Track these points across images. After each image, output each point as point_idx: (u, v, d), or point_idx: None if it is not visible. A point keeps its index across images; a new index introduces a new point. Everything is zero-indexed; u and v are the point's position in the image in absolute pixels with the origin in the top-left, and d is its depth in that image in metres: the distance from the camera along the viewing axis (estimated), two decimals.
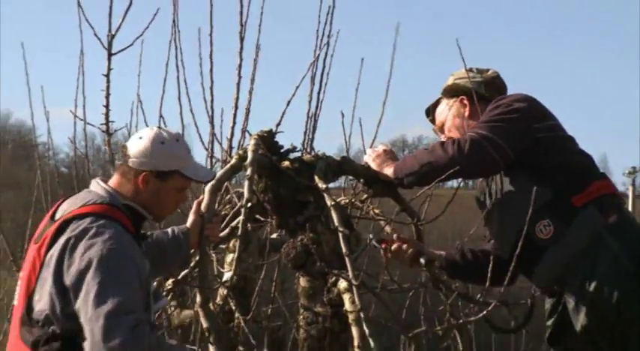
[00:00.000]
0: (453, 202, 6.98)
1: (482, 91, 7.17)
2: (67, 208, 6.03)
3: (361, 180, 6.50)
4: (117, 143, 6.95)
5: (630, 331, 6.58)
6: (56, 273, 5.68)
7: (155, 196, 6.10)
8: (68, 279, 5.59)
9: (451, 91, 7.35)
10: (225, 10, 6.29)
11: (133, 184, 6.07)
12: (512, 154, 6.68)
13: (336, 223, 6.04)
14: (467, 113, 7.16)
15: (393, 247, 6.92)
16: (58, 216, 6.03)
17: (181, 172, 6.06)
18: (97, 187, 6.08)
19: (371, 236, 6.68)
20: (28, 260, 6.02)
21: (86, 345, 5.56)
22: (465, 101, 7.22)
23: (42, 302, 5.74)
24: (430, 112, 7.55)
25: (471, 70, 7.30)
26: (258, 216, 6.34)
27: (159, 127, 6.28)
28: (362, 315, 5.92)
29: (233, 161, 6.26)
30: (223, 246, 6.61)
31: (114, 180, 6.15)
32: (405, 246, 6.93)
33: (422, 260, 6.83)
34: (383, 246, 6.96)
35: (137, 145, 6.05)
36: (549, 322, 6.98)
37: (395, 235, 7.01)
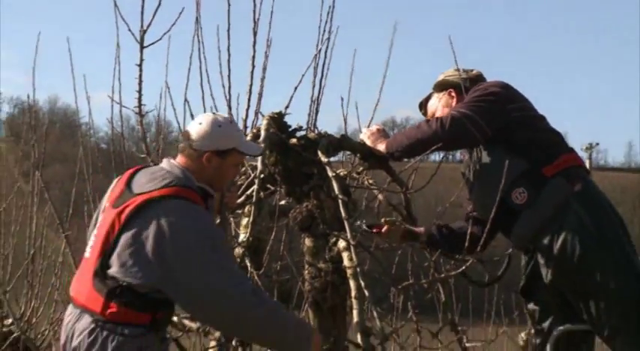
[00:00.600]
0: (436, 174, 7.16)
1: (468, 85, 7.24)
2: (145, 182, 6.09)
3: (358, 155, 6.55)
4: (148, 123, 7.07)
5: (589, 283, 6.70)
6: (156, 249, 5.77)
7: (217, 172, 6.19)
8: (171, 252, 5.74)
9: (441, 86, 7.45)
10: (240, 9, 6.31)
11: (197, 163, 6.14)
12: (489, 131, 6.83)
13: (337, 192, 6.11)
14: (454, 103, 7.23)
15: (383, 229, 7.00)
16: (136, 189, 6.08)
17: (238, 149, 6.13)
18: (173, 167, 6.14)
19: (359, 222, 6.79)
20: (106, 221, 6.03)
21: (201, 311, 5.99)
22: (453, 93, 7.32)
23: (120, 264, 5.83)
24: (422, 105, 7.60)
25: (457, 69, 7.41)
26: (269, 185, 6.40)
27: (214, 113, 6.41)
28: (358, 270, 5.97)
29: (248, 139, 6.30)
30: (240, 211, 6.62)
31: (183, 162, 6.19)
32: (392, 228, 7.01)
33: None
34: (374, 231, 7.04)
35: (198, 129, 6.12)
36: (523, 277, 7.07)
37: (383, 220, 7.08)
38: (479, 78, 7.41)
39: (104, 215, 6.13)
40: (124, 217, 5.88)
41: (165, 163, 6.21)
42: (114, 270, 5.82)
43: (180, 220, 5.83)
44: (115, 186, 6.28)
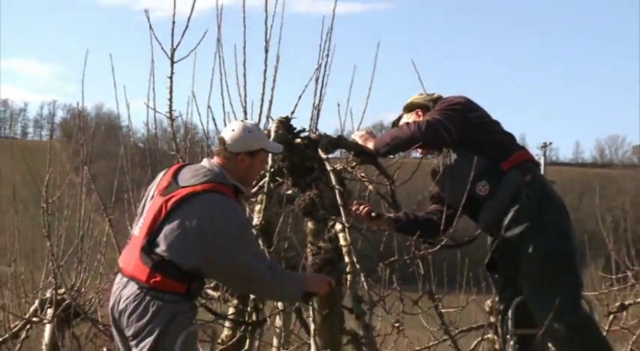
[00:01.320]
0: (418, 169, 7.33)
1: (431, 106, 7.38)
2: (189, 177, 6.30)
3: (351, 152, 6.58)
4: (177, 126, 7.11)
5: (523, 254, 6.92)
6: (198, 233, 6.08)
7: (249, 169, 6.36)
8: (211, 236, 6.05)
9: (409, 107, 7.60)
10: (254, 30, 6.32)
11: (232, 163, 6.31)
12: (455, 133, 6.99)
13: (334, 183, 6.17)
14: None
15: (353, 208, 7.09)
16: (181, 182, 6.33)
17: (265, 149, 6.31)
18: (212, 166, 6.33)
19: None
20: (154, 207, 6.26)
21: (230, 279, 6.48)
22: (420, 113, 7.45)
23: (167, 244, 6.09)
24: (395, 124, 7.71)
25: (422, 93, 7.66)
26: (278, 178, 6.44)
27: (242, 120, 6.61)
28: (352, 248, 5.99)
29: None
30: (254, 199, 6.67)
31: (220, 162, 6.38)
32: (361, 207, 7.11)
33: (373, 214, 7.02)
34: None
35: (232, 135, 6.30)
36: (489, 253, 7.13)
37: (354, 201, 7.21)
38: (439, 99, 7.53)
39: (152, 202, 6.34)
40: (170, 204, 6.14)
41: (206, 163, 6.44)
42: (161, 249, 6.09)
43: (218, 212, 6.12)
44: (162, 178, 6.47)
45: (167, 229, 6.11)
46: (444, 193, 7.21)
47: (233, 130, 6.34)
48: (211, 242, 6.09)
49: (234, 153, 6.30)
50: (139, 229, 6.31)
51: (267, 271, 6.11)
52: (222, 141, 6.34)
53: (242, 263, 6.13)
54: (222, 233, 6.11)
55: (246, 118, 6.75)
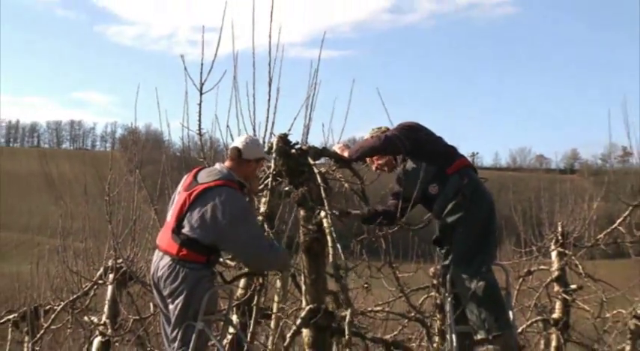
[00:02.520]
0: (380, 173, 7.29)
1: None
2: (205, 177, 6.53)
3: (332, 159, 6.54)
4: (205, 140, 7.17)
5: (456, 234, 7.06)
6: (213, 219, 6.28)
7: (252, 171, 6.67)
8: (221, 219, 6.25)
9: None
10: (260, 70, 6.29)
11: (243, 166, 6.61)
12: (407, 144, 7.05)
13: (319, 182, 6.12)
14: None
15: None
16: (200, 180, 6.55)
17: (264, 157, 6.63)
18: (222, 168, 6.56)
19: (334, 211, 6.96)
20: (181, 199, 6.52)
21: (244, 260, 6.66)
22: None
23: (190, 226, 6.35)
24: None
25: (373, 129, 7.64)
26: (278, 178, 6.39)
27: (250, 136, 6.80)
28: (332, 229, 5.94)
29: (266, 149, 6.36)
30: (260, 194, 6.65)
31: (228, 165, 6.61)
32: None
33: (335, 212, 6.99)
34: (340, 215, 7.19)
35: (246, 146, 6.56)
36: (437, 232, 7.26)
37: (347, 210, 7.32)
38: (387, 130, 7.54)
39: (179, 195, 6.56)
40: (192, 197, 6.40)
41: (217, 166, 6.63)
42: (186, 229, 6.33)
43: (227, 200, 6.29)
44: (186, 178, 6.67)
45: (190, 215, 6.36)
46: (404, 191, 7.27)
47: (247, 143, 6.54)
48: (222, 222, 6.23)
49: (246, 159, 6.52)
50: (170, 216, 6.57)
51: (266, 247, 6.33)
52: (237, 150, 6.52)
53: (245, 239, 6.30)
54: (231, 217, 6.25)
55: (255, 135, 6.73)
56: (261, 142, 6.76)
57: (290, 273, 6.70)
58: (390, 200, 7.50)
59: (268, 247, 6.35)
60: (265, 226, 6.48)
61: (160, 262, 6.46)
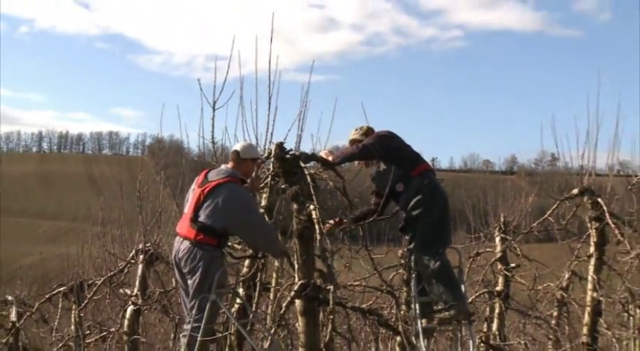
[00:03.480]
0: (359, 174, 7.25)
1: (363, 138, 7.33)
2: (215, 175, 6.59)
3: (319, 163, 6.48)
4: (217, 147, 7.21)
5: (417, 225, 7.05)
6: (225, 213, 6.39)
7: (250, 170, 6.70)
8: (231, 208, 6.40)
9: (350, 141, 7.46)
10: (262, 89, 6.24)
11: (242, 166, 6.66)
12: (380, 150, 7.05)
13: (309, 181, 6.07)
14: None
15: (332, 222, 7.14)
16: (210, 178, 6.62)
17: (259, 157, 6.71)
18: (227, 168, 6.64)
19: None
20: (195, 194, 6.61)
21: (248, 235, 6.70)
22: (355, 145, 7.33)
23: (205, 215, 6.43)
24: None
25: (356, 129, 7.56)
26: (276, 178, 6.34)
27: (245, 140, 6.85)
28: (319, 220, 5.90)
29: (265, 155, 6.29)
30: (262, 191, 6.61)
31: (231, 165, 6.67)
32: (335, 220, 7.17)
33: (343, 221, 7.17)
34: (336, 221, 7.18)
35: (244, 149, 6.66)
36: (402, 221, 7.27)
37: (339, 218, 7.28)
38: (369, 129, 7.50)
39: (194, 192, 6.63)
40: (206, 192, 6.46)
41: (223, 166, 6.71)
42: (202, 218, 6.38)
43: (236, 193, 6.43)
44: (199, 177, 6.73)
45: (204, 206, 6.43)
46: (377, 187, 7.37)
47: (244, 146, 6.67)
48: (231, 211, 6.37)
49: (243, 159, 6.63)
50: (187, 208, 6.66)
51: (267, 228, 6.50)
52: (237, 152, 6.65)
53: (251, 222, 6.44)
54: (238, 206, 6.41)
55: (257, 143, 6.67)
56: (261, 148, 6.72)
57: (285, 255, 6.66)
58: (372, 199, 7.49)
59: (271, 231, 6.49)
60: (266, 216, 6.46)
61: (180, 246, 6.50)
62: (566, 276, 14.60)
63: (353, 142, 7.39)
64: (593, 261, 9.93)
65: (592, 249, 9.92)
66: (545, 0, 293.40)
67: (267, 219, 6.61)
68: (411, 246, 7.18)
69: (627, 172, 9.98)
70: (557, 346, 14.31)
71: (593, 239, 9.87)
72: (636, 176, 9.93)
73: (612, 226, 9.59)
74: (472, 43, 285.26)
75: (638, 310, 13.34)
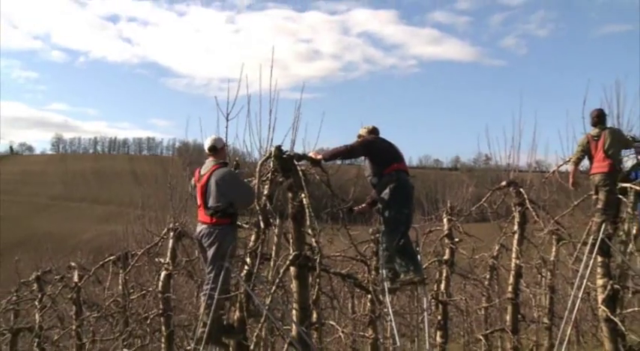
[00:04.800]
0: (339, 169, 7.07)
1: (366, 134, 7.20)
2: (203, 169, 6.57)
3: (309, 161, 6.34)
4: (229, 150, 7.05)
5: (385, 212, 6.94)
6: (218, 190, 6.33)
7: (225, 154, 6.69)
8: (225, 189, 6.32)
9: (359, 136, 7.26)
10: (264, 105, 6.11)
11: (219, 154, 6.61)
12: (362, 151, 6.96)
13: (301, 175, 5.94)
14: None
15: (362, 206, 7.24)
16: (203, 172, 6.55)
17: (225, 143, 6.62)
18: (209, 160, 6.58)
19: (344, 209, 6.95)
20: (199, 189, 6.50)
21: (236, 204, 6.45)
22: (360, 139, 7.20)
23: (213, 200, 6.37)
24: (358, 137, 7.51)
25: (364, 127, 7.32)
26: (275, 173, 6.19)
27: (213, 136, 6.64)
28: (309, 204, 5.81)
29: (267, 155, 6.14)
30: (264, 184, 6.46)
31: (218, 155, 6.59)
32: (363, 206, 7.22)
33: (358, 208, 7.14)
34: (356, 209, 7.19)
35: (215, 142, 6.56)
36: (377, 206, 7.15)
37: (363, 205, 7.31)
38: (374, 128, 7.28)
39: (197, 187, 6.57)
40: (202, 184, 6.47)
41: (207, 161, 6.62)
42: (210, 204, 6.34)
43: (222, 174, 6.37)
44: (195, 176, 6.71)
45: (208, 194, 6.40)
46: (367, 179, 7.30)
47: (215, 139, 6.57)
48: (224, 187, 6.32)
49: (218, 147, 6.55)
50: (198, 200, 6.56)
51: (253, 194, 6.16)
52: (214, 146, 6.56)
53: (244, 194, 6.29)
54: (227, 182, 6.32)
55: (261, 147, 6.48)
56: (263, 150, 6.54)
57: (283, 231, 6.54)
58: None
59: (254, 194, 6.24)
60: (267, 203, 6.31)
61: (201, 228, 6.47)
62: (496, 248, 14.65)
63: (360, 136, 7.27)
64: (516, 236, 9.95)
65: (515, 227, 9.93)
66: (479, 37, 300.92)
67: (252, 189, 6.41)
68: (382, 226, 7.13)
69: (542, 168, 9.97)
70: (489, 301, 14.37)
71: (516, 220, 9.89)
72: (548, 172, 9.91)
73: (530, 209, 9.65)
74: (424, 70, 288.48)
75: (548, 273, 13.39)
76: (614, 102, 7.90)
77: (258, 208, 6.21)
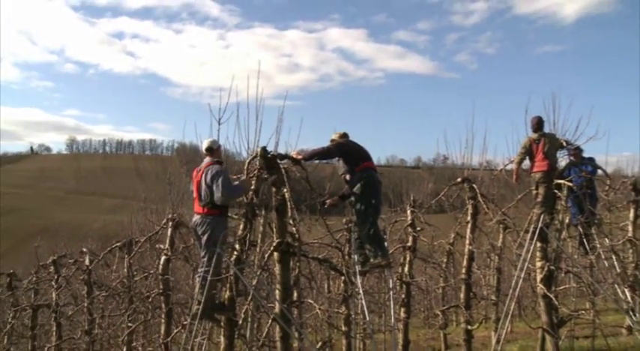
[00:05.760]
0: (317, 167, 7.01)
1: (339, 138, 7.16)
2: (202, 165, 6.47)
3: (290, 160, 6.28)
4: (222, 151, 6.74)
5: (356, 205, 6.95)
6: (207, 183, 6.23)
7: (220, 154, 6.56)
8: (213, 175, 6.21)
9: (332, 140, 7.21)
10: (252, 111, 6.03)
11: (216, 153, 6.49)
12: (338, 154, 6.98)
13: (283, 172, 5.89)
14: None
15: (330, 201, 7.19)
16: (199, 169, 6.46)
17: (220, 145, 6.51)
18: (206, 158, 6.49)
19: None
20: (196, 179, 6.43)
21: (217, 197, 6.21)
22: (333, 142, 7.16)
23: (205, 194, 6.26)
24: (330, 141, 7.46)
25: (336, 132, 7.29)
26: (261, 170, 6.12)
27: (209, 138, 6.48)
28: (290, 197, 5.77)
29: (254, 155, 6.07)
30: (252, 180, 6.38)
31: (213, 155, 6.50)
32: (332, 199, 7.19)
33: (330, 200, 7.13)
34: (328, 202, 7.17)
35: (213, 143, 6.45)
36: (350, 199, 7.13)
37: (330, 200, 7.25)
38: (345, 134, 7.25)
39: (194, 182, 6.49)
40: (197, 179, 6.39)
41: (205, 159, 6.52)
42: (203, 197, 6.25)
43: (214, 172, 6.25)
44: (194, 172, 6.58)
45: (202, 188, 6.31)
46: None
47: (212, 141, 6.43)
48: (214, 177, 6.20)
49: (214, 148, 6.46)
50: (194, 193, 6.46)
51: (238, 191, 6.15)
52: (210, 147, 6.46)
53: (229, 191, 6.12)
54: (214, 178, 6.19)
55: (248, 147, 6.39)
56: (251, 150, 6.46)
57: (269, 221, 6.49)
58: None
59: (235, 188, 6.18)
60: (254, 197, 6.25)
61: (195, 218, 6.40)
62: (452, 235, 14.77)
63: (332, 140, 7.22)
64: (469, 225, 9.99)
65: (469, 217, 9.97)
66: (437, 53, 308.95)
67: (232, 182, 6.33)
68: (354, 217, 7.13)
69: (491, 167, 10.03)
70: (446, 281, 14.46)
71: (469, 211, 9.93)
72: (496, 170, 9.99)
73: (481, 202, 9.69)
74: (390, 81, 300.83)
75: (496, 257, 13.53)
76: (551, 111, 7.99)
77: (245, 201, 6.17)
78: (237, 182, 6.29)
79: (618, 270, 9.60)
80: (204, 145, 6.50)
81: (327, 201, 7.10)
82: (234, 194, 6.24)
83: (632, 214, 12.87)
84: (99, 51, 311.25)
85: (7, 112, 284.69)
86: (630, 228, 12.80)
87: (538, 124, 8.38)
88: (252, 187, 6.16)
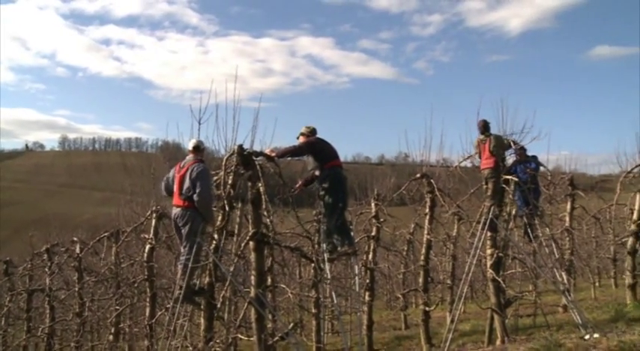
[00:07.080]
0: (289, 163, 6.94)
1: (308, 133, 7.03)
2: (184, 163, 6.34)
3: (264, 157, 6.19)
4: (202, 148, 6.52)
5: (326, 199, 6.84)
6: (191, 180, 6.10)
7: (204, 154, 6.42)
8: (196, 175, 6.10)
9: (301, 134, 7.09)
10: (229, 113, 5.94)
11: (200, 153, 6.30)
12: (307, 150, 6.81)
13: (258, 168, 5.82)
14: (302, 140, 6.98)
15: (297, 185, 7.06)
16: (183, 165, 6.33)
17: (205, 147, 6.38)
18: (189, 155, 6.34)
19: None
20: (178, 177, 6.27)
21: (195, 199, 6.10)
22: (302, 138, 7.04)
23: (185, 189, 6.14)
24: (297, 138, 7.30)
25: (307, 127, 7.11)
26: (239, 166, 6.03)
27: (195, 139, 6.32)
28: (264, 191, 5.71)
29: (231, 152, 5.96)
30: (230, 175, 6.28)
31: (198, 154, 6.35)
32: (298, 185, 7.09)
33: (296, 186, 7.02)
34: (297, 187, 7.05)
35: (199, 143, 6.30)
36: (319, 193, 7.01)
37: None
38: (314, 129, 7.11)
39: (176, 177, 6.34)
40: (181, 175, 6.25)
41: (188, 157, 6.37)
42: (184, 191, 6.10)
43: (197, 170, 6.14)
44: (176, 168, 6.43)
45: (184, 183, 6.17)
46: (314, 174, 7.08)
47: (199, 141, 6.26)
48: (197, 177, 6.08)
49: (201, 148, 6.32)
50: (175, 187, 6.31)
51: (212, 195, 6.14)
52: (197, 146, 6.30)
53: (206, 191, 6.06)
54: (199, 178, 6.07)
55: (226, 145, 6.27)
56: (229, 147, 6.35)
57: (243, 214, 6.40)
58: (312, 174, 7.16)
59: (211, 198, 6.12)
60: (231, 190, 6.15)
61: (176, 210, 6.28)
62: (412, 226, 14.89)
63: (302, 134, 7.10)
64: (427, 217, 10.08)
65: (427, 210, 10.06)
66: (397, 60, 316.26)
67: (212, 191, 6.21)
68: (323, 210, 7.09)
69: (447, 164, 10.12)
70: (406, 267, 14.58)
71: (427, 204, 10.02)
72: (452, 167, 10.10)
73: (438, 196, 9.79)
74: (355, 85, 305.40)
75: (451, 245, 13.69)
76: (500, 114, 8.10)
77: (223, 194, 6.07)
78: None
79: (557, 256, 9.86)
80: (191, 144, 6.34)
81: (294, 187, 7.06)
82: (207, 203, 6.12)
83: (569, 207, 13.24)
84: (87, 56, 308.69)
85: (4, 112, 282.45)
86: (567, 219, 13.16)
87: (484, 127, 8.57)
88: (230, 182, 6.08)
